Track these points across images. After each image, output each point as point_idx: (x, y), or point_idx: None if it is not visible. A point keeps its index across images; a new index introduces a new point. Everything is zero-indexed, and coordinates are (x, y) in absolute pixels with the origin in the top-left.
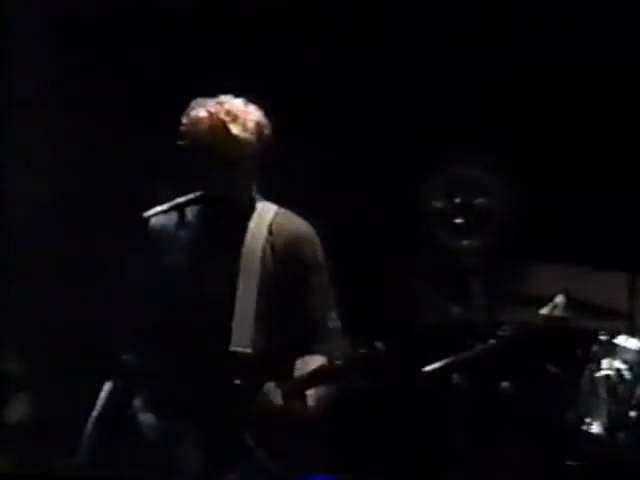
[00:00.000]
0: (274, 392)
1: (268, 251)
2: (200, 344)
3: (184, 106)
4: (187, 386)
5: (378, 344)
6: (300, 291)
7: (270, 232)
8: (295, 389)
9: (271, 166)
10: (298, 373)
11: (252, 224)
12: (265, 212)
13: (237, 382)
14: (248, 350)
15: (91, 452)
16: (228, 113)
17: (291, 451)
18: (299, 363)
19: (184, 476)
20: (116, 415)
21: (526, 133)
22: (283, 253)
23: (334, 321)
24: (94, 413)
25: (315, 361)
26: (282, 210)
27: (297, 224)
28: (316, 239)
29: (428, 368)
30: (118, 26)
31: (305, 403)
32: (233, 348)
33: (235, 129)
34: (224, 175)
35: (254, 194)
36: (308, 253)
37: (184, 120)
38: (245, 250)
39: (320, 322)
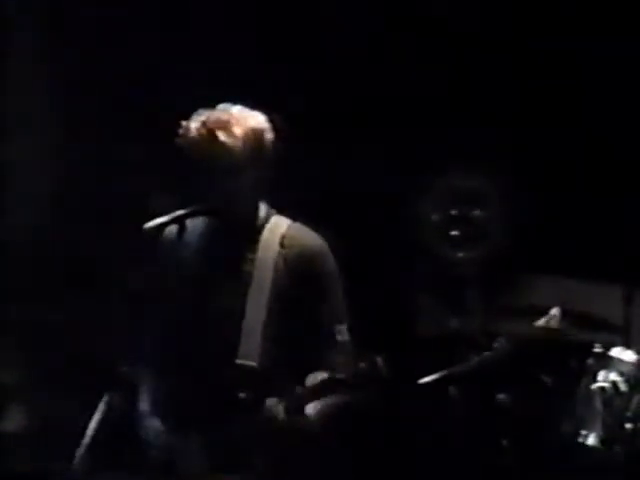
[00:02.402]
0: (276, 407)
1: (280, 265)
2: (207, 356)
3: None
4: (191, 398)
5: (378, 359)
6: (309, 304)
7: (282, 246)
8: (298, 403)
9: (274, 177)
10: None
11: (264, 238)
12: (277, 226)
13: (241, 395)
14: (253, 364)
15: (88, 463)
16: (217, 121)
17: (294, 465)
18: (310, 380)
19: None
20: (114, 426)
21: (523, 145)
22: (294, 266)
23: (343, 335)
24: (92, 424)
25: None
26: (295, 224)
27: (309, 237)
28: (328, 252)
29: (424, 380)
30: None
31: (306, 417)
32: (239, 361)
33: (223, 136)
34: (221, 185)
35: (266, 208)
36: (319, 266)
37: (179, 131)
38: (257, 264)
39: (327, 336)
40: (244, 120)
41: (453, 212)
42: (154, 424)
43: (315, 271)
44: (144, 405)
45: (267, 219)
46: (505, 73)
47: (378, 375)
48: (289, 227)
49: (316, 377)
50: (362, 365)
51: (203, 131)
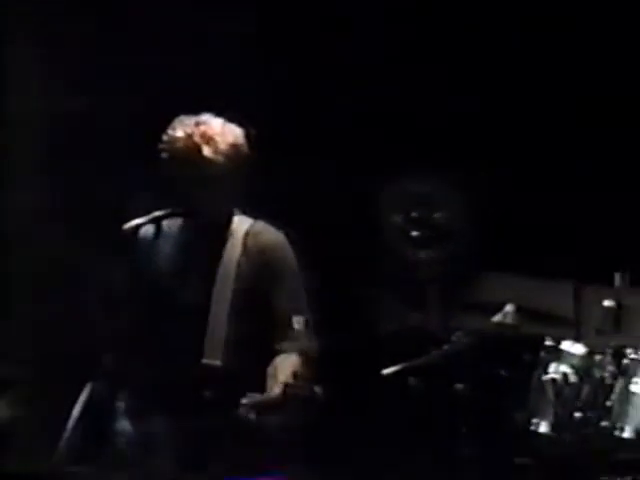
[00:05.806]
0: (247, 408)
1: (243, 263)
2: (174, 356)
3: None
4: (161, 395)
5: (317, 388)
6: (268, 295)
7: (245, 244)
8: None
9: (250, 182)
10: (269, 379)
11: (229, 238)
12: (240, 225)
13: (206, 394)
14: (218, 363)
15: (70, 452)
16: (203, 135)
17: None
18: (270, 369)
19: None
20: (96, 415)
21: (476, 148)
22: (256, 262)
23: (301, 325)
24: (74, 413)
25: (284, 362)
26: (257, 222)
27: (269, 233)
28: (286, 245)
29: (387, 371)
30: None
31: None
32: (204, 361)
33: (207, 151)
34: (199, 191)
35: (234, 209)
36: (276, 257)
37: (164, 137)
38: (222, 263)
39: (285, 324)
40: (227, 136)
41: (414, 214)
42: (128, 416)
43: (273, 262)
44: (121, 396)
45: (231, 219)
46: (469, 76)
47: (315, 402)
48: (252, 225)
49: (275, 365)
50: (301, 392)
51: (189, 144)
